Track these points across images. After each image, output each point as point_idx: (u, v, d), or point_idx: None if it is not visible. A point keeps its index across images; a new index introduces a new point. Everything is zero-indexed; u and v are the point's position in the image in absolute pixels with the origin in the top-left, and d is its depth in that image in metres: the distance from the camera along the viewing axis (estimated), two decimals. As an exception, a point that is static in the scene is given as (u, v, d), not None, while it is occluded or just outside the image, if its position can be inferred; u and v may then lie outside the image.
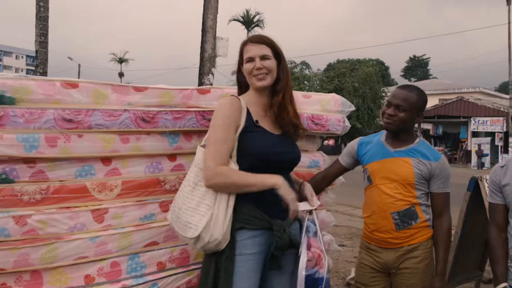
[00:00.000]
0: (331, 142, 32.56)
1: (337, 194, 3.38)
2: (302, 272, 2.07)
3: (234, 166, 2.26)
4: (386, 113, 2.64)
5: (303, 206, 2.30)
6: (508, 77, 27.71)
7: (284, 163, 2.38)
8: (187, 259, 2.60)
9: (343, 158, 2.91)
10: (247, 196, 2.23)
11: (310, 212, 2.31)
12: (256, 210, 2.25)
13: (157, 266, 2.50)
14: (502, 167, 2.58)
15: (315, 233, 2.24)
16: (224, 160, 2.23)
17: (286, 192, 2.18)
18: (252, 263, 2.22)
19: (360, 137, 2.93)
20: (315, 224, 2.27)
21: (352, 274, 4.82)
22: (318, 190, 2.86)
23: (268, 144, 2.31)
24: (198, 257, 2.60)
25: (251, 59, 2.36)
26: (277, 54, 2.41)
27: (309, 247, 2.16)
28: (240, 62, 2.45)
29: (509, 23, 26.15)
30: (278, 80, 2.41)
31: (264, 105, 2.43)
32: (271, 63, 2.37)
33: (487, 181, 3.75)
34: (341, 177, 3.22)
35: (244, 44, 2.42)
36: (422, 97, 2.66)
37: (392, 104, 2.62)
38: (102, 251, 2.33)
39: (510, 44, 26.43)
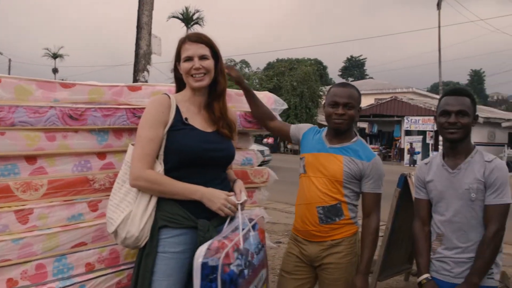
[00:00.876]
0: (270, 140, 32.83)
1: (275, 192, 3.41)
2: (198, 260, 2.04)
3: (159, 166, 2.26)
4: (336, 113, 2.64)
5: None
6: (438, 78, 29.00)
7: (214, 160, 2.36)
8: (117, 259, 2.55)
9: (295, 127, 2.95)
10: None
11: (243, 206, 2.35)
12: (181, 209, 2.25)
13: (85, 267, 2.43)
14: (426, 164, 2.69)
15: (237, 227, 2.25)
16: (151, 160, 2.24)
17: (210, 204, 2.24)
18: (175, 261, 2.22)
19: (315, 126, 2.94)
20: (239, 219, 2.28)
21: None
22: (260, 113, 2.95)
23: (195, 141, 2.30)
24: (128, 257, 2.56)
25: (189, 58, 2.34)
26: (215, 53, 2.40)
27: (222, 238, 2.15)
28: (177, 59, 2.42)
29: (439, 26, 27.34)
30: (217, 82, 2.41)
31: (198, 103, 2.42)
32: (210, 63, 2.36)
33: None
34: (274, 174, 3.26)
35: (182, 42, 2.39)
36: (359, 93, 2.74)
37: (340, 103, 2.63)
38: (26, 253, 2.24)
39: (440, 46, 27.64)
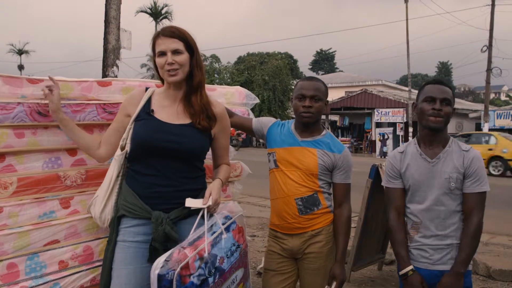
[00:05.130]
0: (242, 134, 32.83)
1: (248, 186, 3.41)
2: (155, 271, 2.02)
3: (119, 151, 2.38)
4: (303, 106, 2.67)
5: (190, 203, 2.28)
6: (407, 71, 29.40)
7: (168, 152, 2.30)
8: (91, 256, 2.52)
9: (257, 121, 2.95)
10: (133, 186, 2.32)
11: (212, 210, 2.32)
12: (138, 200, 2.28)
13: (58, 265, 2.40)
14: (401, 152, 2.66)
15: (203, 232, 2.22)
16: (105, 136, 2.44)
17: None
18: (134, 250, 2.26)
19: (278, 120, 2.96)
20: (204, 223, 2.25)
21: (263, 263, 4.90)
22: None
23: (147, 130, 2.30)
24: (103, 253, 2.52)
25: (163, 53, 2.31)
26: (190, 47, 2.35)
27: (186, 246, 2.13)
28: (154, 55, 2.39)
29: (407, 19, 27.66)
30: (192, 75, 2.37)
31: (173, 97, 2.39)
32: (183, 57, 2.31)
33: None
34: (247, 168, 3.27)
35: (155, 37, 2.36)
36: (326, 86, 2.79)
37: (307, 96, 2.67)
38: (-4, 252, 2.20)
39: (408, 39, 27.99)
